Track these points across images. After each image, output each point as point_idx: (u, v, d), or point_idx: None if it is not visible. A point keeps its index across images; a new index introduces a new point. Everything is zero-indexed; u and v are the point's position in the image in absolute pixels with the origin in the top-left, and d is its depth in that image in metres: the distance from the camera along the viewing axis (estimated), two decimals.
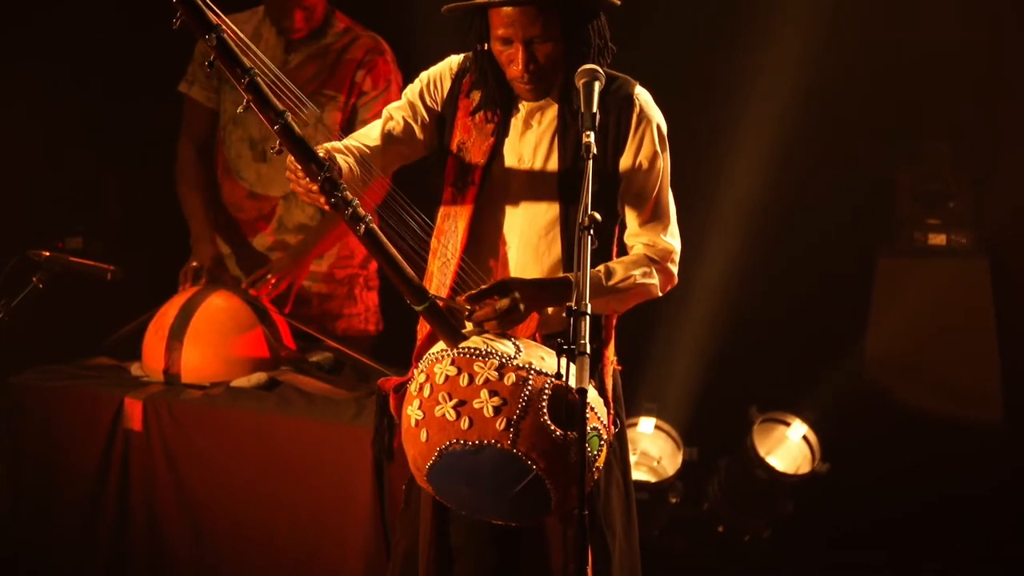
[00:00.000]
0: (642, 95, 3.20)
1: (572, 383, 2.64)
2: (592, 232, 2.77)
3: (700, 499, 5.51)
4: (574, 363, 2.65)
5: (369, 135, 3.26)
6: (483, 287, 3.00)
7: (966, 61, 5.65)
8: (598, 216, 2.78)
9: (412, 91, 3.30)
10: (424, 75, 3.31)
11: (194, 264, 4.52)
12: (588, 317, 2.67)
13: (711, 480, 5.49)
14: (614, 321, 3.28)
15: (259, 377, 4.19)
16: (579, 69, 3.01)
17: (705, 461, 5.50)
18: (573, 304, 2.68)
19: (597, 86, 2.98)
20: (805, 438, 5.44)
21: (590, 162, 2.85)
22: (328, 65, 4.59)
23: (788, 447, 5.45)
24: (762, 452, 5.35)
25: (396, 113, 3.28)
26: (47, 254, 4.07)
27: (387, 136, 3.25)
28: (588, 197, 2.80)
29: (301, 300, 4.63)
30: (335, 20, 4.65)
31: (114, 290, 4.30)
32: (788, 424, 5.47)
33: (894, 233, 5.89)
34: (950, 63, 5.62)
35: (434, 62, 3.32)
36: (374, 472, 3.79)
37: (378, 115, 3.32)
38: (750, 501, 5.38)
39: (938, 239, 5.84)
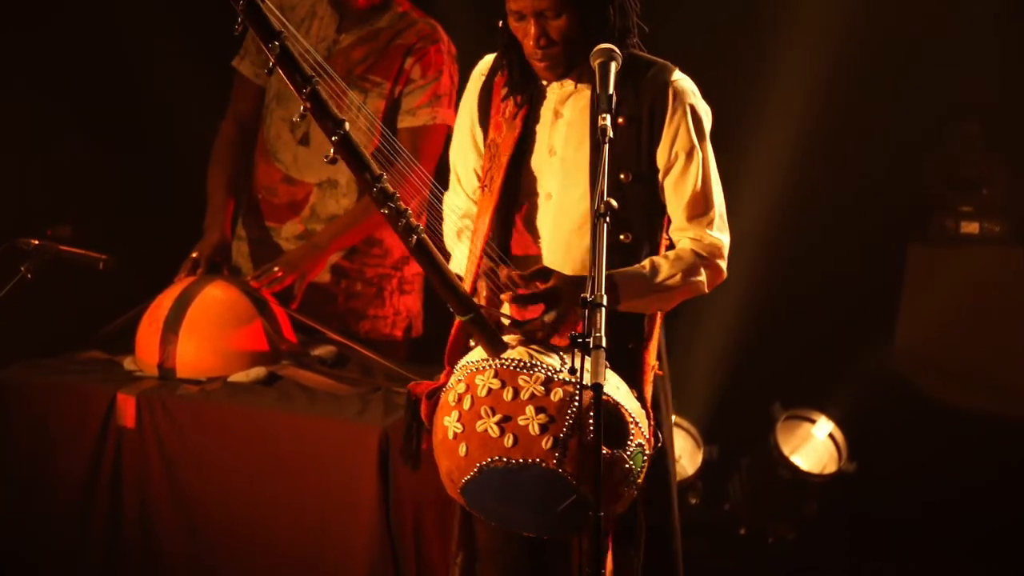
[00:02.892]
0: (680, 81, 3.18)
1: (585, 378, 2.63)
2: (608, 220, 2.76)
3: (721, 499, 5.50)
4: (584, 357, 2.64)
5: (466, 202, 3.31)
6: (529, 290, 2.99)
7: (997, 38, 5.62)
8: (614, 203, 2.77)
9: (459, 126, 3.34)
10: (463, 98, 3.35)
11: (193, 255, 4.50)
12: (604, 308, 2.66)
13: (732, 480, 5.48)
14: (659, 319, 3.25)
15: (258, 371, 4.17)
16: (594, 49, 3.01)
17: (726, 460, 5.49)
18: (587, 294, 2.67)
19: (614, 66, 2.98)
20: (831, 436, 5.43)
21: (606, 145, 2.84)
22: (377, 50, 4.54)
23: (813, 445, 5.43)
24: (786, 451, 5.34)
25: (462, 165, 3.32)
26: (36, 242, 4.06)
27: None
28: (604, 182, 2.79)
29: (326, 297, 4.60)
30: (394, 2, 4.59)
31: (106, 280, 4.29)
32: (813, 421, 5.46)
33: (925, 221, 5.87)
34: (980, 40, 5.59)
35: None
36: (379, 471, 3.79)
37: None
38: (773, 502, 5.37)
39: (971, 227, 5.82)
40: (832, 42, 5.51)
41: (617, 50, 3.00)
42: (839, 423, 5.44)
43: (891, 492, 5.46)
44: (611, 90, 2.93)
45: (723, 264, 3.22)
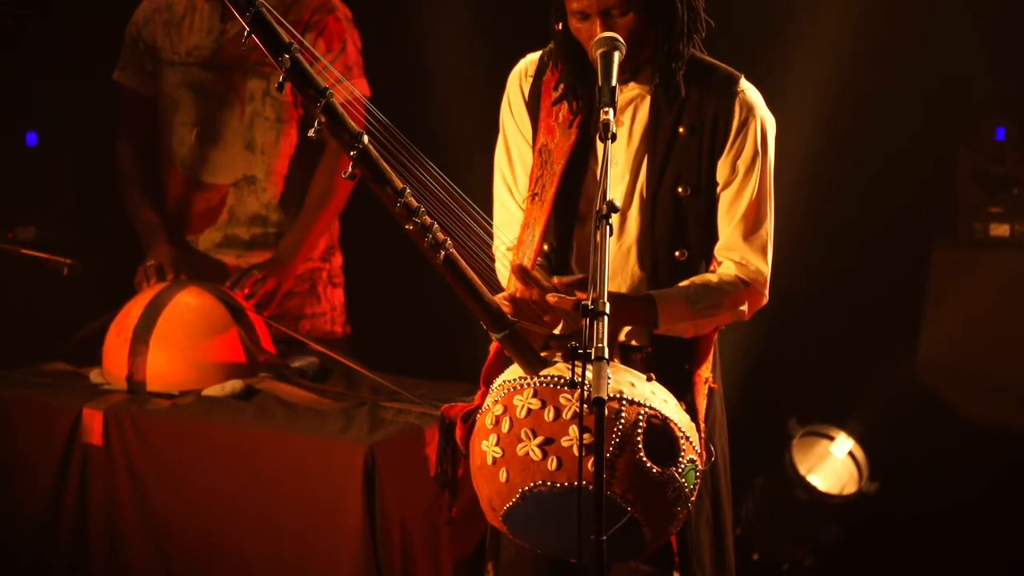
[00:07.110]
0: (748, 91, 3.19)
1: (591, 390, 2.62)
2: (610, 222, 2.74)
3: (733, 523, 5.48)
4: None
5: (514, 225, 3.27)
6: (569, 301, 2.96)
7: None
8: (617, 204, 2.75)
9: (504, 134, 3.30)
10: (503, 102, 3.32)
11: (152, 262, 4.48)
12: (606, 317, 2.64)
13: (745, 501, 5.47)
14: (714, 336, 3.26)
15: (234, 385, 4.17)
16: (597, 38, 3.00)
17: (738, 480, 5.45)
18: (589, 303, 2.66)
19: (617, 56, 2.96)
20: (851, 454, 5.43)
21: (609, 142, 2.83)
22: None
23: (832, 464, 5.43)
24: (803, 470, 5.33)
25: (514, 177, 3.29)
26: None
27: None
28: (607, 181, 2.78)
29: (259, 302, 4.58)
30: None
31: (71, 286, 4.28)
32: (832, 438, 5.45)
33: (952, 222, 5.87)
34: (1012, 33, 5.59)
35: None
36: (364, 492, 3.79)
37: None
38: (789, 525, 5.37)
39: (1001, 229, 5.82)
40: (855, 34, 5.51)
41: (620, 39, 2.99)
42: (859, 440, 5.43)
43: (915, 514, 5.45)
44: (613, 82, 2.92)
45: (765, 293, 3.24)
